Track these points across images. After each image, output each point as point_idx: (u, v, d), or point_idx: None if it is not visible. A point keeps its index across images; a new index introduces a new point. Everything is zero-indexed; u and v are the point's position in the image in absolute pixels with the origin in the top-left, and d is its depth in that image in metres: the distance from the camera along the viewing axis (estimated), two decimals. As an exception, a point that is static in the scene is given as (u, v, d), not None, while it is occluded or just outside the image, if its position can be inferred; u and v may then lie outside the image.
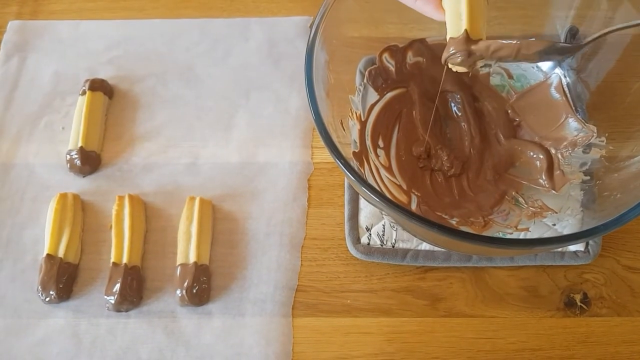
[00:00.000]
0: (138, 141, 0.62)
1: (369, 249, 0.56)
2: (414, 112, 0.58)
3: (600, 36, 0.47)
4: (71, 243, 0.56)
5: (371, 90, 0.58)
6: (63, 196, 0.58)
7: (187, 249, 0.55)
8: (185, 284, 0.53)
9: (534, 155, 0.55)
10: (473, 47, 0.44)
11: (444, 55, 0.44)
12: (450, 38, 0.44)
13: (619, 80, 0.55)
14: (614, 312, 0.54)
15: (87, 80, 0.63)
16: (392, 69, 0.59)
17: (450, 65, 0.45)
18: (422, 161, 0.57)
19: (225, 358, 0.53)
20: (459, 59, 0.44)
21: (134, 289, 0.54)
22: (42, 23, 0.69)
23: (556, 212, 0.53)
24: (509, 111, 0.59)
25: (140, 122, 0.63)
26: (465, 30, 0.42)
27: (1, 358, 0.53)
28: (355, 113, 0.56)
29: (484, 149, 0.58)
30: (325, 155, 0.61)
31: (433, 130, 0.58)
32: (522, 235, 0.53)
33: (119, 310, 0.54)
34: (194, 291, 0.53)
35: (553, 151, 0.56)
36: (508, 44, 0.43)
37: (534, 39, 0.45)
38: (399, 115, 0.59)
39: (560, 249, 0.55)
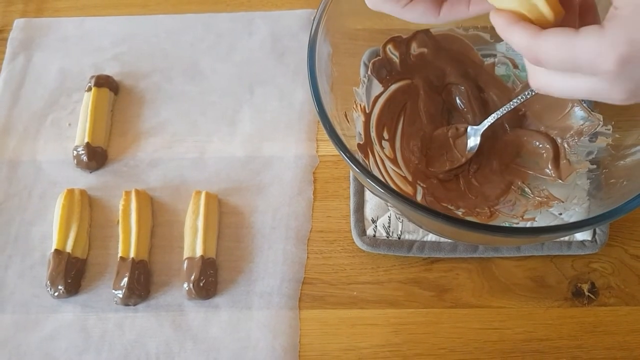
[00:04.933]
0: (144, 136, 0.63)
1: (374, 241, 0.56)
2: (419, 103, 0.58)
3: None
4: (79, 238, 0.56)
5: (375, 82, 0.58)
6: (70, 192, 0.58)
7: (194, 242, 0.56)
8: (192, 277, 0.53)
9: (540, 145, 0.55)
10: None
11: None
12: None
13: (625, 69, 0.55)
14: (622, 302, 0.54)
15: (92, 77, 0.64)
16: (397, 60, 0.58)
17: None
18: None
19: (233, 351, 0.53)
20: None
21: (142, 283, 0.54)
22: (47, 20, 0.70)
23: (563, 202, 0.53)
24: (514, 101, 0.58)
25: (145, 118, 0.64)
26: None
27: (11, 353, 0.53)
28: (360, 105, 0.56)
29: (489, 139, 0.57)
30: (330, 148, 0.61)
31: (439, 122, 0.58)
32: (528, 225, 0.52)
33: (126, 305, 0.54)
34: (201, 285, 0.54)
35: (559, 140, 0.55)
36: None
37: None
38: (403, 107, 0.58)
39: (567, 239, 0.55)
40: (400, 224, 0.56)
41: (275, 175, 0.60)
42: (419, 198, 0.54)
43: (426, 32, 0.58)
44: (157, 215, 0.59)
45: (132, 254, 0.55)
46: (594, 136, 0.54)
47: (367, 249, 0.56)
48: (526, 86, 0.58)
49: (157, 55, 0.67)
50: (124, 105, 0.64)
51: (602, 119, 0.54)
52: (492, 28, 0.35)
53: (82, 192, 0.59)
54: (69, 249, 0.55)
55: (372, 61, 0.58)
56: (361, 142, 0.55)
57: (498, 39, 0.59)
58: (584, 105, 0.56)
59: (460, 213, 0.53)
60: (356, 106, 0.56)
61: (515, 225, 0.53)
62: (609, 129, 0.54)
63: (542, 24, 0.33)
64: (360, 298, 0.55)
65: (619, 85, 0.31)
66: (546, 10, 0.33)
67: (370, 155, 0.55)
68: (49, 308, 0.55)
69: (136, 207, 0.57)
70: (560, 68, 0.32)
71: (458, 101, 0.59)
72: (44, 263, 0.56)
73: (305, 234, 0.57)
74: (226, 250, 0.57)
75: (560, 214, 0.53)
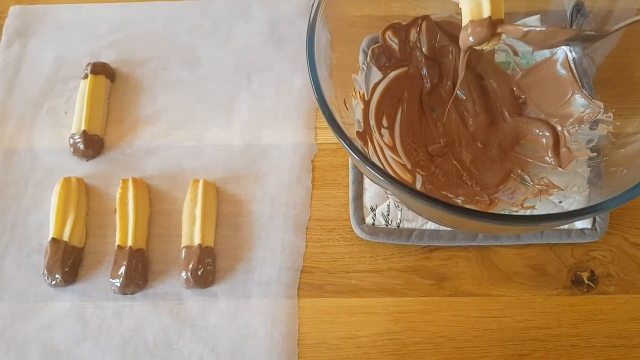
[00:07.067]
0: (141, 124, 0.62)
1: (373, 229, 0.55)
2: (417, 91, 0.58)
3: (626, 25, 0.45)
4: (76, 227, 0.56)
5: (374, 69, 0.57)
6: (67, 180, 0.58)
7: (192, 231, 0.55)
8: (190, 266, 0.53)
9: (540, 133, 0.55)
10: (500, 29, 0.43)
11: (467, 40, 0.44)
12: (471, 21, 0.43)
13: (625, 56, 0.54)
14: (622, 290, 0.54)
15: (88, 64, 0.63)
16: (396, 47, 0.58)
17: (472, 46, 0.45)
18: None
19: (231, 340, 0.53)
20: (483, 43, 0.44)
21: (139, 272, 0.54)
22: (42, 7, 0.69)
23: (562, 190, 0.52)
24: (515, 89, 0.58)
25: (142, 106, 0.63)
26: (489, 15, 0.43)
27: (8, 342, 0.53)
28: (359, 92, 0.56)
29: (489, 127, 0.57)
30: (329, 136, 0.61)
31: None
32: (528, 213, 0.52)
33: (124, 293, 0.54)
34: (199, 273, 0.53)
35: (559, 128, 0.55)
36: (535, 30, 0.42)
37: (560, 28, 0.43)
38: (403, 94, 0.58)
39: (567, 227, 0.55)
40: (399, 212, 0.56)
41: (274, 164, 0.60)
42: (418, 186, 0.54)
43: (425, 18, 0.58)
44: (154, 203, 0.58)
45: (129, 243, 0.55)
46: (594, 124, 0.54)
47: (366, 237, 0.56)
48: (526, 72, 0.58)
49: (154, 43, 0.66)
50: (120, 93, 0.64)
51: (602, 107, 0.54)
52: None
53: (79, 181, 0.58)
54: (66, 237, 0.55)
55: (371, 48, 0.57)
56: (360, 130, 0.54)
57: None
58: (585, 92, 0.55)
59: (459, 201, 0.53)
60: (355, 93, 0.55)
61: (515, 214, 0.52)
62: (609, 117, 0.53)
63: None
64: (359, 286, 0.55)
65: None
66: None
67: (369, 143, 0.54)
68: (47, 297, 0.55)
69: (133, 196, 0.56)
70: None
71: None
72: (41, 252, 0.56)
73: (303, 222, 0.57)
74: (224, 238, 0.57)
75: (560, 202, 0.52)
